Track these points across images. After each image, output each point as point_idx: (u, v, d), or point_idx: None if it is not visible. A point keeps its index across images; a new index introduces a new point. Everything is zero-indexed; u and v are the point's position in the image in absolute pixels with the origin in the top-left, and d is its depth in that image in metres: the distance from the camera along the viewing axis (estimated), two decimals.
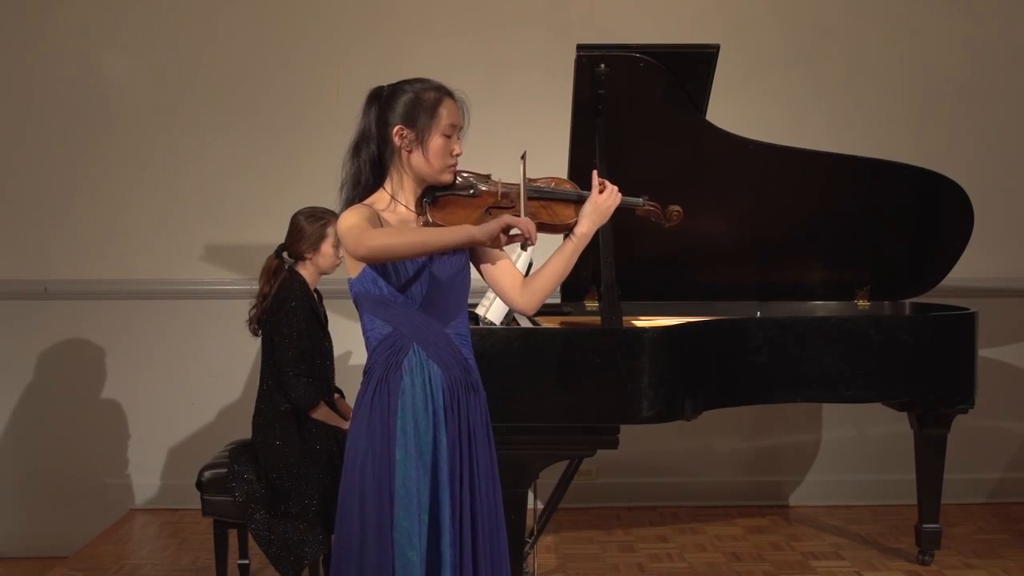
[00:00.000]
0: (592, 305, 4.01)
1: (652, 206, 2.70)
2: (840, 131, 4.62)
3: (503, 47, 4.71)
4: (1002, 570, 3.94)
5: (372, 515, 2.31)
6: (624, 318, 3.25)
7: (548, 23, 4.69)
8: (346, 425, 2.79)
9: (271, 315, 3.41)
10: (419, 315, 2.35)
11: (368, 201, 2.37)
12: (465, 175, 2.46)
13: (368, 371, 2.39)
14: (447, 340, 2.38)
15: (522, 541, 3.23)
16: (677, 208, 2.72)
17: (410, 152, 2.36)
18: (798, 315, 4.07)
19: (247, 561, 3.70)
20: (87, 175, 4.73)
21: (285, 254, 3.51)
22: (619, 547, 4.26)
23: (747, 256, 4.03)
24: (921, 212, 3.96)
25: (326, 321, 3.56)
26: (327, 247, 3.46)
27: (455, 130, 2.38)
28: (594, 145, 3.33)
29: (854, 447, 4.84)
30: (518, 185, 2.43)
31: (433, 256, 2.34)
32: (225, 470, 3.38)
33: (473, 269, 2.49)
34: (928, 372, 3.63)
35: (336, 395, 3.62)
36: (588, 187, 2.54)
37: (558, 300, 4.04)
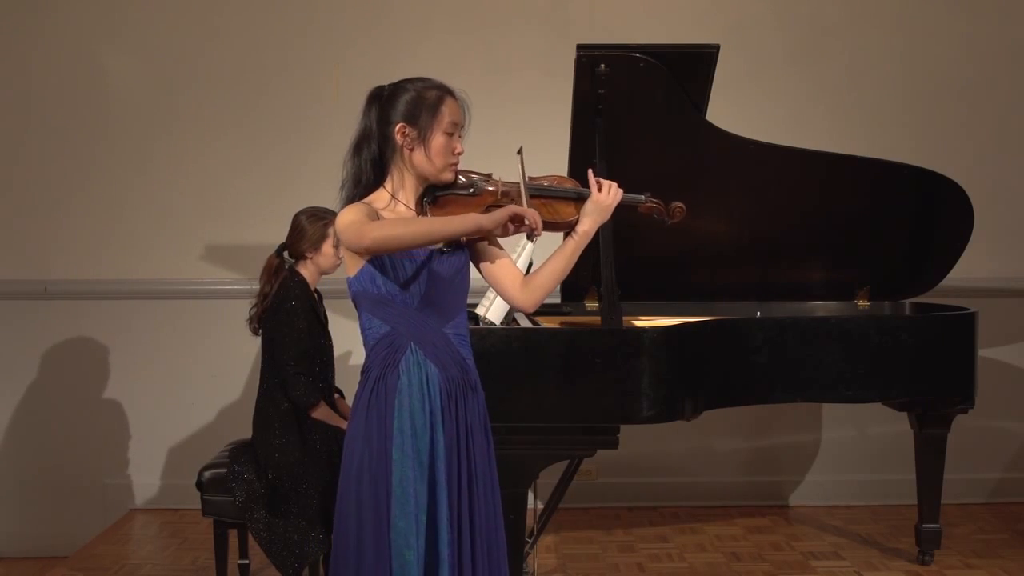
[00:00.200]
0: (592, 305, 4.01)
1: (654, 203, 2.70)
2: (840, 131, 4.61)
3: (503, 47, 4.71)
4: (1002, 570, 3.94)
5: (369, 515, 2.31)
6: (624, 318, 3.25)
7: (548, 23, 4.69)
8: (346, 425, 2.79)
9: (271, 314, 3.41)
10: (417, 315, 2.34)
11: (367, 200, 2.36)
12: (466, 174, 2.45)
13: (366, 370, 2.39)
14: (445, 340, 2.38)
15: (522, 541, 3.23)
16: (680, 205, 2.72)
17: (412, 150, 2.36)
18: (798, 315, 4.07)
19: (247, 561, 3.70)
20: (87, 175, 4.73)
21: (286, 253, 3.51)
22: (619, 547, 4.26)
23: (747, 256, 4.03)
24: (921, 212, 3.96)
25: (326, 321, 3.56)
26: (328, 247, 3.46)
27: (457, 128, 2.38)
28: (594, 145, 3.33)
29: (854, 447, 4.84)
30: (518, 183, 2.43)
31: (432, 254, 2.34)
32: (225, 470, 3.38)
33: (473, 268, 2.49)
34: (928, 372, 3.63)
35: (336, 395, 3.62)
36: (591, 180, 2.53)
37: (558, 300, 4.04)
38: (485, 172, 2.49)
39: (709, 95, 3.58)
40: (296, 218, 3.51)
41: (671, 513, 4.71)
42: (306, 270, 3.48)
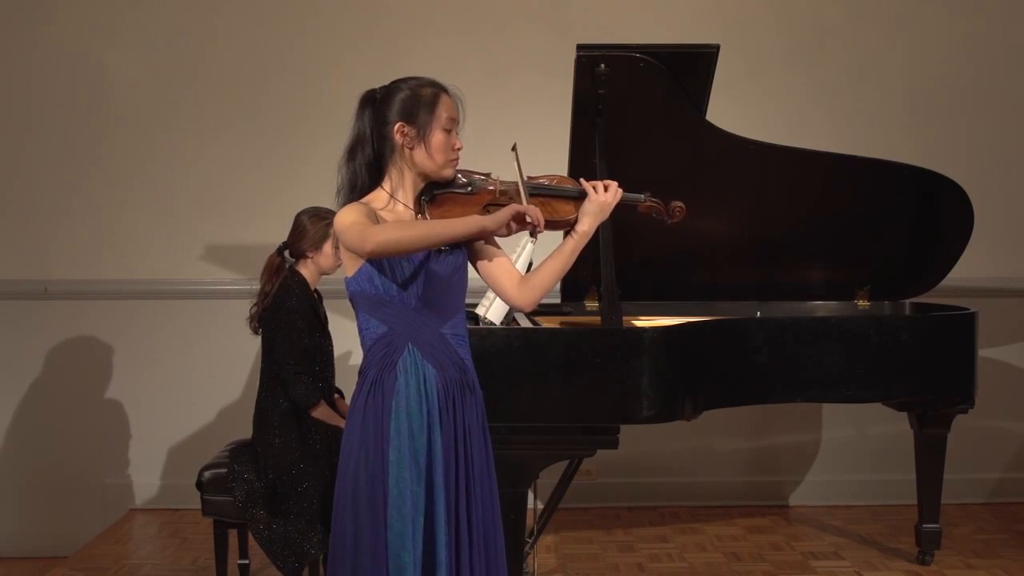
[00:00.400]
0: (592, 305, 4.01)
1: (654, 202, 2.69)
2: (840, 131, 4.62)
3: (503, 47, 4.71)
4: (1002, 570, 3.94)
5: (366, 516, 2.31)
6: (624, 318, 3.25)
7: (548, 23, 4.69)
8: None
9: (271, 313, 3.41)
10: (415, 315, 2.34)
11: (365, 200, 2.36)
12: (465, 173, 2.45)
13: (363, 371, 2.38)
14: (443, 340, 2.37)
15: (522, 541, 3.23)
16: (680, 204, 2.71)
17: (412, 149, 2.36)
18: (798, 315, 4.07)
19: (247, 561, 3.71)
20: (87, 175, 4.74)
21: (287, 253, 3.51)
22: (619, 547, 4.26)
23: (747, 256, 4.03)
24: (921, 212, 3.96)
25: (326, 321, 3.56)
26: (328, 247, 3.46)
27: (454, 124, 2.38)
28: (594, 145, 3.33)
29: (854, 447, 4.84)
30: (516, 182, 2.43)
31: (430, 254, 2.34)
32: (225, 470, 3.38)
33: (471, 268, 2.48)
34: (928, 372, 3.63)
35: (336, 395, 3.62)
36: (585, 184, 2.52)
37: (558, 300, 4.04)
38: (484, 172, 2.49)
39: (709, 95, 3.58)
40: (298, 218, 3.51)
41: (671, 513, 4.71)
42: (306, 270, 3.49)
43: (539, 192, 2.49)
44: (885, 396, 3.74)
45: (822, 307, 4.19)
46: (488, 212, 2.40)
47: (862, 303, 4.13)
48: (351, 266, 2.34)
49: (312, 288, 3.50)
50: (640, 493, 4.81)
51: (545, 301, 3.93)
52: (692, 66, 3.47)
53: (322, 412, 3.39)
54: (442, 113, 2.35)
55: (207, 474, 3.41)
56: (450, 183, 2.42)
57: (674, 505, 4.79)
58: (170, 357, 4.75)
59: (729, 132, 3.66)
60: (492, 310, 3.46)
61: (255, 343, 3.57)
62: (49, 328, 4.74)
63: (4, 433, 4.77)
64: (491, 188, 2.45)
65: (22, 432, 4.77)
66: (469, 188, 2.43)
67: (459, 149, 2.40)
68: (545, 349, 3.14)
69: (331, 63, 4.65)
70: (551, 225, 2.49)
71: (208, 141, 4.73)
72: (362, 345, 2.40)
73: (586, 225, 2.47)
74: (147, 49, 4.72)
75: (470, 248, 2.46)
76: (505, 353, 3.10)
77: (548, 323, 3.70)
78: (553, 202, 2.50)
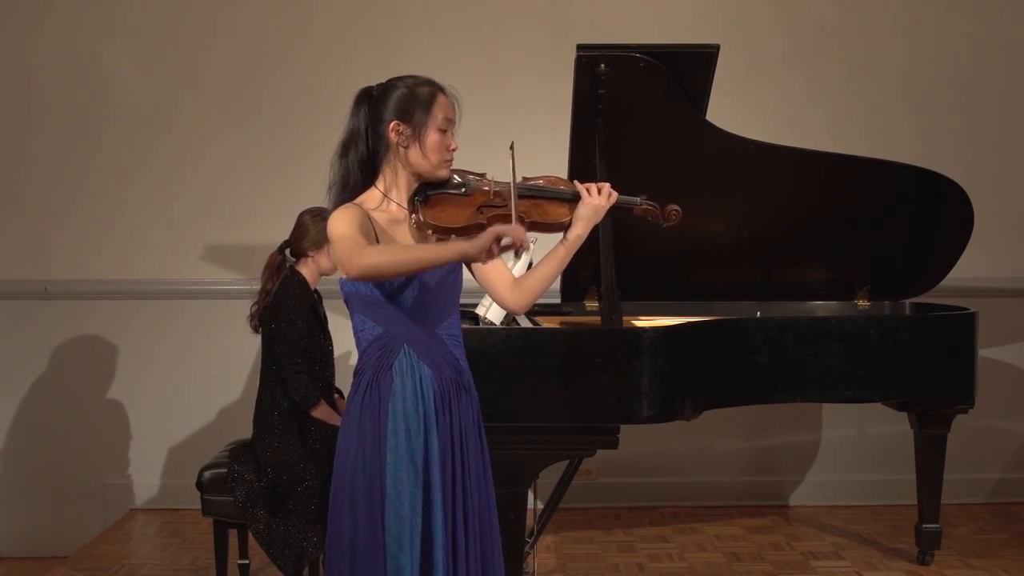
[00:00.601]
0: (592, 305, 4.01)
1: (650, 205, 2.66)
2: (840, 131, 4.62)
3: (503, 47, 4.71)
4: (1002, 570, 3.94)
5: (363, 519, 2.30)
6: (624, 318, 3.25)
7: (548, 23, 4.69)
8: None
9: (271, 313, 3.41)
10: (410, 316, 2.33)
11: (358, 200, 2.35)
12: (460, 173, 2.44)
13: (358, 372, 2.38)
14: (438, 341, 2.37)
15: (522, 541, 3.23)
16: (676, 208, 2.68)
17: (407, 148, 2.34)
18: (798, 315, 4.07)
19: (247, 561, 3.70)
20: (87, 175, 4.74)
21: (288, 252, 3.51)
22: (619, 547, 4.26)
23: (747, 256, 4.03)
24: (921, 212, 3.96)
25: (326, 321, 3.56)
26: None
27: (450, 124, 2.37)
28: (594, 145, 3.33)
29: (854, 447, 4.84)
30: (509, 183, 2.40)
31: None
32: (225, 470, 3.39)
33: (465, 269, 2.48)
34: (928, 372, 3.63)
35: (336, 395, 3.62)
36: (579, 187, 2.50)
37: (558, 300, 4.04)
38: (479, 172, 2.48)
39: (709, 95, 3.58)
40: (300, 217, 3.51)
41: (671, 513, 4.71)
42: (306, 269, 3.49)
43: (532, 194, 2.47)
44: (885, 396, 3.74)
45: (822, 307, 4.19)
46: (482, 213, 2.40)
47: (862, 303, 4.13)
48: None
49: (312, 288, 3.50)
50: (640, 493, 4.81)
51: (545, 301, 3.95)
52: (692, 66, 3.47)
53: (322, 412, 3.39)
54: (438, 113, 2.34)
55: (207, 474, 3.41)
56: (444, 183, 2.41)
57: (674, 505, 4.79)
58: (170, 357, 4.75)
59: (729, 132, 3.66)
60: (492, 310, 3.47)
61: (255, 343, 3.57)
62: (49, 328, 4.74)
63: (4, 433, 4.77)
64: (485, 189, 2.43)
65: (22, 432, 4.77)
66: (463, 189, 2.42)
67: (454, 150, 2.39)
68: (545, 349, 3.14)
69: (331, 63, 4.65)
70: (545, 228, 2.48)
71: (208, 141, 4.73)
72: (357, 346, 2.39)
73: (579, 229, 2.45)
74: (148, 49, 4.72)
75: None
76: (505, 353, 3.10)
77: (548, 323, 3.70)
78: (547, 204, 2.48)
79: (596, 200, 2.47)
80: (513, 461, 3.12)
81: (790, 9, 4.74)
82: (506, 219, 2.37)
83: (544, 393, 3.11)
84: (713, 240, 3.97)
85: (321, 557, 3.33)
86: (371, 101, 2.37)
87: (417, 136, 2.33)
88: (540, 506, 3.90)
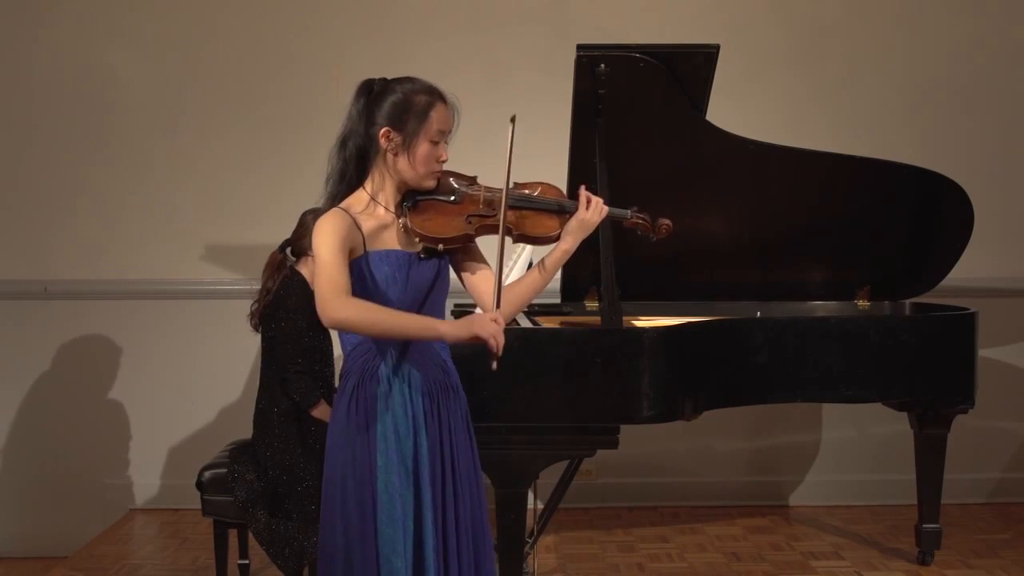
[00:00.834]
0: (592, 305, 4.01)
1: (640, 218, 2.62)
2: (840, 131, 4.62)
3: (503, 47, 4.71)
4: (1002, 570, 3.94)
5: (355, 523, 2.29)
6: (624, 318, 3.25)
7: (548, 23, 4.69)
8: None
9: (272, 312, 3.41)
10: None
11: (345, 204, 2.32)
12: (453, 176, 2.41)
13: (344, 375, 2.36)
14: (425, 344, 2.35)
15: (522, 541, 3.23)
16: (667, 222, 2.64)
17: (396, 155, 2.32)
18: (798, 315, 4.08)
19: (247, 561, 3.71)
20: (87, 175, 4.73)
21: (288, 251, 3.51)
22: (619, 547, 4.26)
23: (747, 256, 4.03)
24: (921, 212, 3.96)
25: None
26: None
27: (443, 136, 2.34)
28: (594, 145, 3.33)
29: (854, 447, 4.84)
30: (500, 191, 2.35)
31: (412, 261, 2.32)
32: (225, 470, 3.39)
33: (452, 273, 2.46)
34: (928, 372, 3.63)
35: (336, 394, 3.62)
36: (581, 195, 2.47)
37: (558, 300, 4.04)
38: (470, 175, 2.45)
39: (709, 95, 3.58)
40: (303, 217, 3.51)
41: (671, 513, 4.71)
42: (307, 269, 3.49)
43: (522, 205, 2.43)
44: (885, 396, 3.74)
45: (822, 307, 4.19)
46: (470, 224, 2.36)
47: (862, 303, 4.13)
48: None
49: (312, 288, 3.50)
50: (640, 493, 4.81)
51: (545, 301, 3.96)
52: (692, 66, 3.47)
53: (322, 411, 3.39)
54: (432, 124, 2.31)
55: (207, 474, 3.41)
56: (434, 190, 2.37)
57: (674, 505, 4.79)
58: (170, 357, 4.75)
59: (729, 132, 3.66)
60: None
61: (255, 343, 3.57)
62: (49, 328, 4.74)
63: (4, 433, 4.77)
64: (475, 196, 2.39)
65: (22, 432, 4.77)
66: (453, 198, 2.38)
67: (443, 161, 2.36)
68: (545, 349, 3.14)
69: (331, 63, 4.65)
70: (533, 240, 2.47)
71: (209, 141, 4.73)
72: (342, 348, 2.38)
73: (568, 244, 2.43)
74: (148, 49, 4.72)
75: (454, 259, 2.44)
76: (505, 353, 3.09)
77: (548, 323, 3.70)
78: (536, 216, 2.44)
79: (586, 215, 2.43)
80: (513, 461, 3.12)
81: (790, 9, 4.74)
82: (494, 229, 2.34)
83: (544, 393, 3.11)
84: (713, 240, 3.98)
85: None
86: (369, 97, 2.34)
87: (407, 146, 2.30)
88: (540, 506, 3.90)
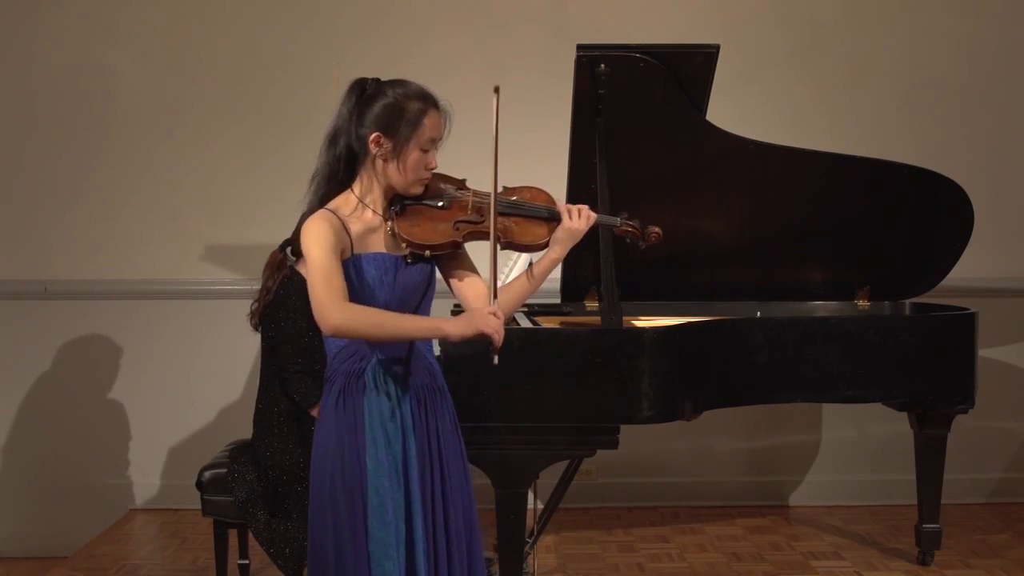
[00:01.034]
0: (592, 305, 4.01)
1: (630, 226, 2.60)
2: (840, 131, 4.61)
3: (503, 47, 4.71)
4: (1002, 570, 3.94)
5: (346, 528, 2.27)
6: (624, 318, 3.25)
7: (548, 23, 4.69)
8: None
9: (272, 311, 3.40)
10: None
11: (333, 206, 2.30)
12: (443, 179, 2.39)
13: (329, 380, 2.34)
14: (411, 346, 2.34)
15: (522, 541, 3.23)
16: (656, 230, 2.62)
17: (385, 161, 2.30)
18: (798, 315, 4.08)
19: (247, 561, 3.70)
20: (87, 175, 4.73)
21: (289, 250, 3.51)
22: (619, 547, 4.26)
23: (747, 256, 4.03)
24: (921, 212, 3.96)
25: None
26: None
27: (434, 144, 2.32)
28: (594, 145, 3.34)
29: (854, 447, 4.84)
30: (489, 194, 2.33)
31: (400, 266, 2.31)
32: (225, 470, 3.38)
33: (440, 277, 2.45)
34: (928, 372, 3.63)
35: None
36: (579, 200, 2.45)
37: (558, 300, 4.04)
38: (459, 178, 2.43)
39: (709, 95, 3.58)
40: (304, 217, 3.50)
41: (671, 513, 4.71)
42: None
43: (512, 212, 2.41)
44: (885, 396, 3.74)
45: (822, 307, 4.19)
46: (458, 230, 2.34)
47: (862, 303, 4.13)
48: None
49: None
50: (640, 493, 4.81)
51: (545, 301, 3.96)
52: (692, 66, 3.47)
53: None
54: (424, 132, 2.28)
55: (207, 474, 3.41)
56: (422, 194, 2.35)
57: (674, 505, 4.79)
58: (170, 357, 4.75)
59: (729, 132, 3.66)
60: None
61: (255, 343, 3.57)
62: (49, 328, 4.74)
63: (4, 433, 4.77)
64: (464, 201, 2.37)
65: (22, 432, 4.77)
66: (440, 203, 2.36)
67: (433, 168, 2.34)
68: (545, 349, 3.14)
69: (331, 63, 4.63)
70: (522, 248, 2.44)
71: (208, 141, 4.73)
72: (327, 351, 2.37)
73: (556, 253, 2.41)
74: (148, 49, 4.72)
75: (443, 264, 2.42)
76: (505, 353, 3.09)
77: (548, 323, 3.70)
78: (525, 223, 2.42)
79: (574, 224, 2.40)
80: (513, 461, 3.12)
81: (790, 8, 4.74)
82: (483, 235, 2.32)
83: (544, 393, 3.11)
84: (713, 240, 3.98)
85: None
86: (361, 97, 2.32)
87: (397, 153, 2.28)
88: (540, 506, 3.90)
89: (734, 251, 4.01)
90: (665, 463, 4.82)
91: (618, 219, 2.59)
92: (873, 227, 3.98)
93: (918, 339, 3.61)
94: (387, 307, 2.28)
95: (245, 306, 3.53)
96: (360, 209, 2.32)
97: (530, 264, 3.27)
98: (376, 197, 2.34)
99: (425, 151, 2.30)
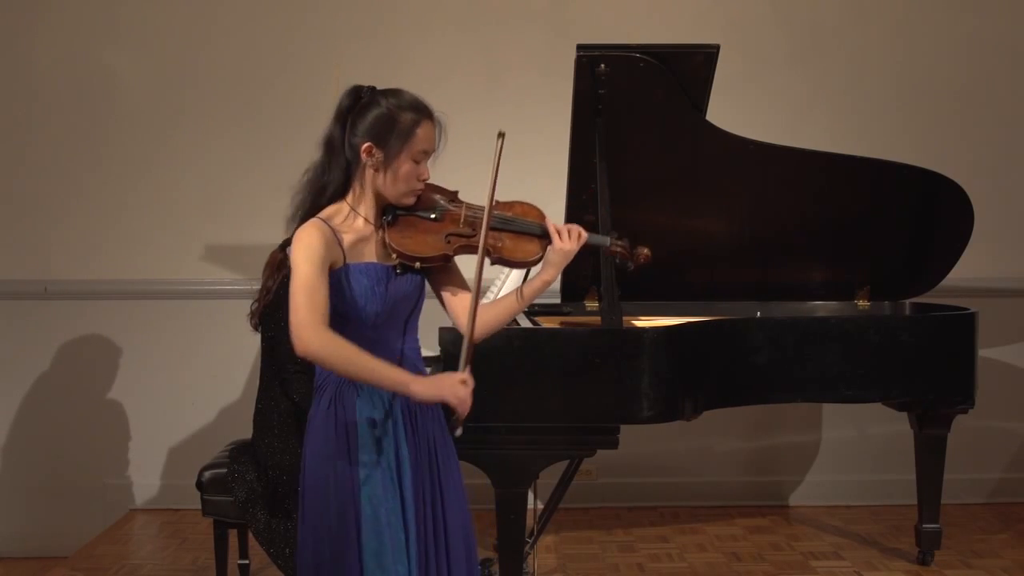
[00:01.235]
0: (592, 305, 4.01)
1: (620, 246, 2.57)
2: (840, 131, 4.61)
3: (503, 46, 4.70)
4: (1002, 570, 3.94)
5: (338, 538, 2.25)
6: (624, 318, 3.25)
7: (548, 23, 4.69)
8: None
9: (272, 311, 3.40)
10: (372, 332, 2.28)
11: (325, 215, 2.28)
12: (436, 191, 2.37)
13: (319, 389, 2.32)
14: (402, 355, 2.33)
15: (522, 541, 3.23)
16: (646, 251, 2.60)
17: (376, 171, 2.28)
18: (798, 315, 4.08)
19: (247, 561, 3.70)
20: (87, 175, 4.73)
21: (288, 250, 3.50)
22: (619, 547, 4.26)
23: (747, 256, 4.03)
24: (921, 212, 3.96)
25: None
26: None
27: (427, 156, 2.30)
28: (594, 145, 3.34)
29: (854, 447, 4.84)
30: (482, 208, 2.32)
31: (391, 278, 2.29)
32: (225, 470, 3.38)
33: (428, 288, 2.43)
34: (928, 372, 3.63)
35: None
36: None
37: (558, 300, 4.04)
38: (452, 189, 2.41)
39: (709, 95, 3.58)
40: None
41: (671, 513, 4.71)
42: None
43: (504, 227, 2.38)
44: (885, 396, 3.74)
45: (822, 307, 4.19)
46: (449, 243, 2.32)
47: (862, 303, 4.13)
48: None
49: None
50: (640, 493, 4.81)
51: (545, 301, 3.96)
52: (692, 66, 3.47)
53: None
54: (416, 144, 2.26)
55: (207, 474, 3.41)
56: (415, 205, 2.33)
57: (674, 505, 4.79)
58: (170, 357, 4.75)
59: (729, 132, 3.66)
60: None
61: (255, 343, 3.57)
62: (49, 328, 4.73)
63: (5, 433, 4.77)
64: (456, 213, 2.35)
65: (22, 432, 4.77)
66: (433, 215, 2.34)
67: (425, 180, 2.31)
68: (545, 349, 3.14)
69: (331, 63, 4.65)
70: (513, 264, 2.42)
71: (209, 141, 4.73)
72: None
73: (549, 275, 2.37)
74: (148, 49, 4.72)
75: (432, 276, 2.40)
76: (505, 353, 3.10)
77: (548, 323, 3.70)
78: (517, 239, 2.39)
79: (566, 244, 2.36)
80: (513, 461, 3.12)
81: (790, 9, 4.74)
82: (474, 250, 2.30)
83: (544, 393, 3.11)
84: (713, 240, 3.98)
85: None
86: (356, 105, 2.30)
87: (389, 163, 2.26)
88: (540, 506, 3.90)
89: (734, 251, 4.01)
90: (665, 463, 4.81)
91: (608, 239, 2.56)
92: (873, 227, 3.98)
93: (918, 339, 3.61)
94: (379, 316, 2.27)
95: (245, 306, 3.53)
96: (352, 218, 2.31)
97: (526, 276, 3.26)
98: (368, 206, 2.32)
99: (417, 162, 2.28)
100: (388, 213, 2.33)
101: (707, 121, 3.61)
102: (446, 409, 2.25)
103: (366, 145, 2.26)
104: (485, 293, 3.51)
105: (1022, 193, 4.80)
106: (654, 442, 4.69)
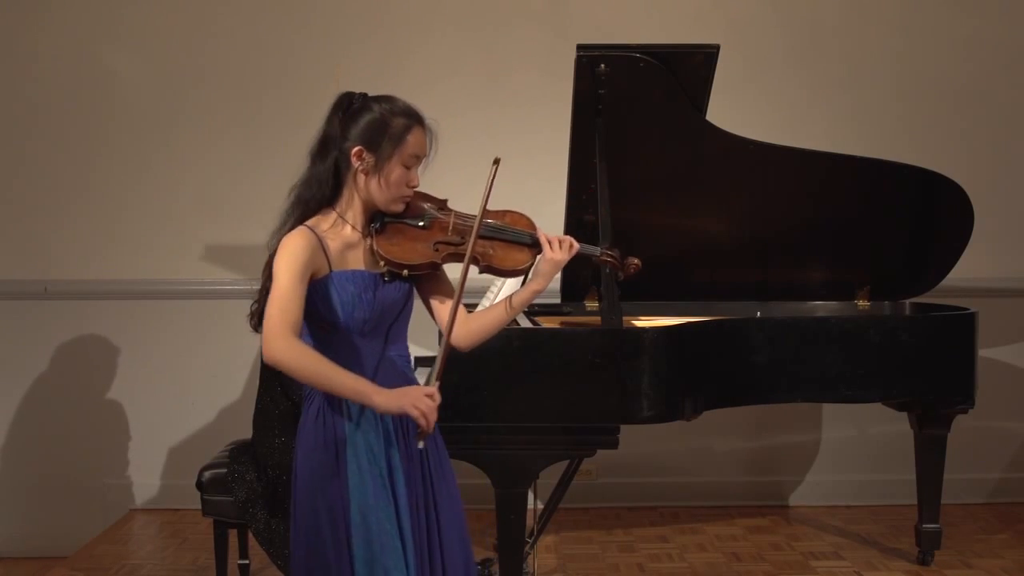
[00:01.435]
0: (592, 305, 4.01)
1: (610, 256, 2.55)
2: (839, 131, 4.62)
3: (503, 47, 4.70)
4: (1002, 570, 3.94)
5: (330, 549, 2.23)
6: (624, 318, 3.25)
7: (548, 23, 4.69)
8: None
9: None
10: (360, 339, 2.27)
11: (313, 222, 2.28)
12: (424, 199, 2.36)
13: (308, 396, 2.31)
14: (390, 362, 2.32)
15: (522, 541, 3.23)
16: (636, 262, 2.57)
17: (367, 175, 2.27)
18: (798, 315, 4.08)
19: (247, 561, 3.70)
20: (87, 175, 4.73)
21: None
22: (619, 547, 4.26)
23: (747, 256, 4.03)
24: (921, 212, 3.97)
25: None
26: None
27: (418, 161, 2.30)
28: (594, 145, 3.34)
29: (854, 447, 4.84)
30: (472, 217, 2.32)
31: (379, 285, 2.28)
32: (225, 470, 3.39)
33: (417, 296, 2.42)
34: (928, 372, 3.63)
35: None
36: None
37: (558, 300, 4.04)
38: (441, 198, 2.40)
39: (709, 95, 3.58)
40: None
41: (671, 513, 4.71)
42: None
43: (493, 235, 2.37)
44: (885, 396, 3.74)
45: (822, 307, 4.20)
46: (437, 251, 2.31)
47: (862, 303, 4.13)
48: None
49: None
50: (640, 493, 4.81)
51: (545, 301, 3.95)
52: (692, 66, 3.47)
53: None
54: (407, 149, 2.26)
55: (207, 474, 3.41)
56: (403, 212, 2.33)
57: (674, 505, 4.79)
58: (170, 357, 4.75)
59: (729, 132, 3.66)
60: None
61: (255, 343, 3.55)
62: (49, 328, 4.73)
63: (4, 433, 4.77)
64: (445, 221, 2.34)
65: (22, 432, 4.77)
66: (421, 223, 2.33)
67: (414, 186, 2.31)
68: (545, 349, 3.14)
69: (332, 63, 4.64)
70: (502, 273, 2.41)
71: (208, 141, 4.73)
72: None
73: (538, 285, 2.36)
74: (148, 49, 4.72)
75: (420, 284, 2.39)
76: (505, 353, 3.10)
77: (548, 323, 3.71)
78: (507, 248, 2.38)
79: (557, 255, 2.35)
80: (513, 461, 3.12)
81: (790, 9, 4.74)
82: (462, 258, 2.29)
83: (544, 393, 3.11)
84: (713, 240, 3.98)
85: None
86: (347, 111, 2.30)
87: (379, 168, 2.26)
88: (540, 506, 3.90)
89: (734, 251, 4.01)
90: (665, 463, 4.82)
91: (598, 249, 2.55)
92: (873, 227, 3.99)
93: (918, 339, 3.61)
94: (366, 324, 2.26)
95: (245, 306, 3.50)
96: (340, 225, 2.30)
97: (524, 279, 3.25)
98: (356, 213, 2.32)
99: (408, 167, 2.28)
100: (376, 220, 2.32)
101: (707, 121, 3.61)
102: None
103: (357, 149, 2.26)
104: (484, 295, 3.51)
105: (1022, 193, 4.80)
106: (654, 442, 4.69)
